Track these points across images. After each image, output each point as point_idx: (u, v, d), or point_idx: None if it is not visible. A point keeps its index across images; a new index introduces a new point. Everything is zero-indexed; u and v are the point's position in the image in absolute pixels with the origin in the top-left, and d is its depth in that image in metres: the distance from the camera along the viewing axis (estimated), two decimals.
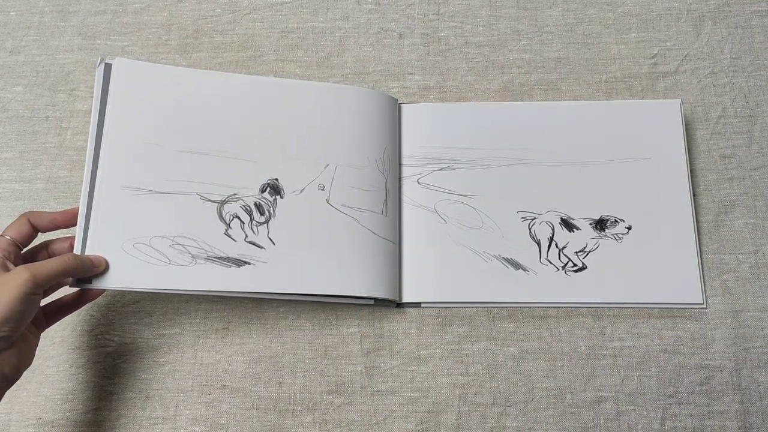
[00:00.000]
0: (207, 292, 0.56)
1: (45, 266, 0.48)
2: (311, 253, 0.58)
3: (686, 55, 0.70)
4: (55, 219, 0.54)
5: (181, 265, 0.55)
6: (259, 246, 0.57)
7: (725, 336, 0.60)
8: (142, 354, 0.60)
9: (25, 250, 0.53)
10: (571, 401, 0.58)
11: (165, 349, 0.60)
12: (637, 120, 0.65)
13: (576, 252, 0.62)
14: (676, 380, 0.59)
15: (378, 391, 0.59)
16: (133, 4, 0.73)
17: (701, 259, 0.62)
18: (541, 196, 0.63)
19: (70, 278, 0.52)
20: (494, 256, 0.62)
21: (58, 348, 0.60)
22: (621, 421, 0.58)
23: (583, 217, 0.62)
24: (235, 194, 0.58)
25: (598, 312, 0.61)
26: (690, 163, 0.64)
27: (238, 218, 0.58)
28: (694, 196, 0.63)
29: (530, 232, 0.62)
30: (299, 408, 0.59)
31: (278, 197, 0.59)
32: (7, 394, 0.48)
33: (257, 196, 0.59)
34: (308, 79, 0.69)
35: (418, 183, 0.64)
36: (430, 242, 0.62)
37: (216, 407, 0.59)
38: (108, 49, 0.71)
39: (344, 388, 0.59)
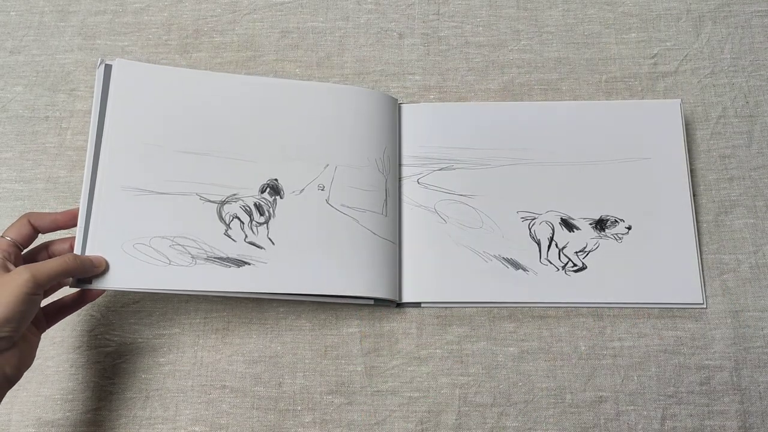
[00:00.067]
0: (207, 292, 0.56)
1: (45, 266, 0.48)
2: (311, 253, 0.58)
3: (686, 55, 0.70)
4: (56, 219, 0.54)
5: (181, 265, 0.55)
6: (258, 246, 0.58)
7: (725, 336, 0.60)
8: (142, 354, 0.60)
9: (25, 251, 0.53)
10: (571, 401, 0.59)
11: (165, 349, 0.60)
12: (637, 120, 0.65)
13: (576, 252, 0.62)
14: (676, 380, 0.59)
15: (378, 391, 0.59)
16: (133, 4, 0.73)
17: (701, 259, 0.62)
18: (541, 196, 0.63)
19: (71, 279, 0.52)
20: (494, 256, 0.62)
21: (58, 348, 0.60)
22: (621, 421, 0.58)
23: (583, 217, 0.62)
24: (234, 195, 0.58)
25: (598, 312, 0.61)
26: (690, 163, 0.64)
27: (238, 218, 0.58)
28: (694, 196, 0.63)
29: (530, 232, 0.62)
30: (299, 408, 0.59)
31: (278, 197, 0.59)
32: (8, 394, 0.48)
33: (257, 197, 0.59)
34: (308, 79, 0.69)
35: (418, 183, 0.64)
36: (430, 242, 0.62)
37: (216, 407, 0.59)
38: (108, 49, 0.71)
39: (344, 388, 0.59)
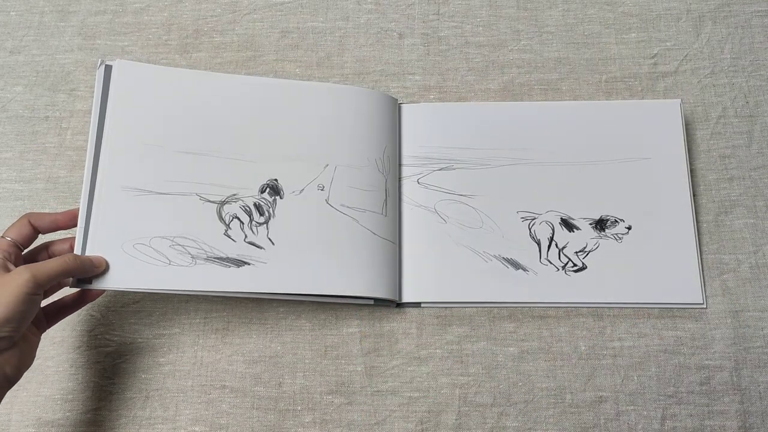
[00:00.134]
0: (207, 292, 0.56)
1: (45, 267, 0.48)
2: (311, 253, 0.58)
3: (686, 55, 0.70)
4: (57, 220, 0.54)
5: (181, 265, 0.55)
6: (258, 246, 0.58)
7: (725, 336, 0.60)
8: (142, 354, 0.60)
9: (25, 251, 0.53)
10: (571, 401, 0.59)
11: (165, 349, 0.60)
12: (637, 120, 0.65)
13: (576, 252, 0.62)
14: (676, 380, 0.59)
15: (378, 391, 0.59)
16: (133, 4, 0.73)
17: (701, 259, 0.62)
18: (541, 196, 0.63)
19: (71, 279, 0.52)
20: (494, 256, 0.62)
21: (58, 348, 0.60)
22: (621, 421, 0.58)
23: (583, 217, 0.62)
24: (234, 195, 0.58)
25: (598, 312, 0.61)
26: (690, 163, 0.64)
27: (238, 219, 0.58)
28: (694, 196, 0.63)
29: (530, 232, 0.62)
30: (299, 408, 0.59)
31: (278, 197, 0.59)
32: (7, 394, 0.48)
33: (257, 197, 0.59)
34: (308, 79, 0.69)
35: (418, 183, 0.64)
36: (430, 242, 0.62)
37: (216, 407, 0.59)
38: (108, 49, 0.71)
39: (344, 388, 0.59)
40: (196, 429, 0.58)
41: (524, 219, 0.63)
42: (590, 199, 0.63)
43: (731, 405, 0.58)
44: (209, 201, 0.58)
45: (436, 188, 0.64)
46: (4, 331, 0.45)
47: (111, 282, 0.53)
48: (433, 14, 0.72)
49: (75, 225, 0.54)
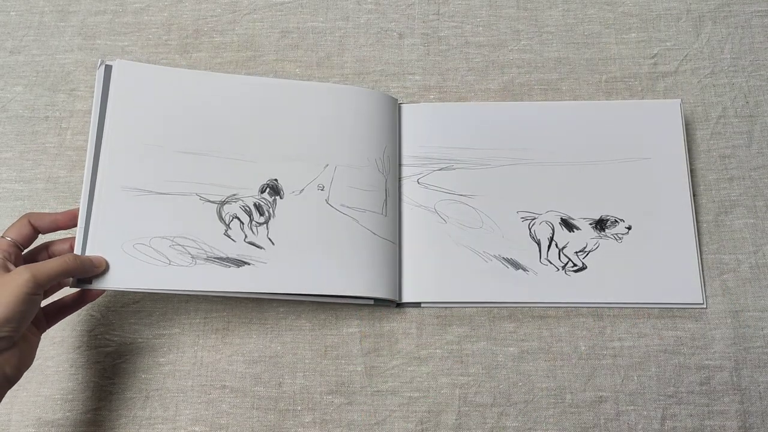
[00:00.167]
0: (207, 292, 0.56)
1: (45, 267, 0.48)
2: (311, 253, 0.58)
3: (686, 55, 0.70)
4: (57, 220, 0.54)
5: (181, 265, 0.55)
6: (258, 246, 0.58)
7: (725, 336, 0.60)
8: (142, 354, 0.60)
9: (25, 251, 0.53)
10: (571, 401, 0.59)
11: (165, 349, 0.60)
12: (637, 120, 0.65)
13: (576, 252, 0.62)
14: (676, 380, 0.59)
15: (378, 391, 0.59)
16: (133, 4, 0.73)
17: (701, 259, 0.62)
18: (541, 196, 0.63)
19: (71, 279, 0.52)
20: (494, 256, 0.62)
21: (58, 348, 0.60)
22: (621, 421, 0.58)
23: (583, 217, 0.62)
24: (234, 195, 0.58)
25: (598, 312, 0.61)
26: (690, 163, 0.64)
27: (238, 219, 0.58)
28: (694, 196, 0.63)
29: (530, 232, 0.62)
30: (299, 408, 0.59)
31: (278, 197, 0.59)
32: (7, 394, 0.48)
33: (257, 197, 0.59)
34: (308, 79, 0.69)
35: (418, 183, 0.64)
36: (430, 242, 0.62)
37: (216, 407, 0.59)
38: (108, 49, 0.71)
39: (344, 388, 0.59)
40: (196, 429, 0.58)
41: (524, 219, 0.63)
42: (590, 199, 0.63)
43: (731, 405, 0.58)
44: (209, 201, 0.58)
45: (436, 188, 0.64)
46: (4, 331, 0.45)
47: (111, 282, 0.53)
48: (433, 14, 0.72)
49: (75, 225, 0.54)
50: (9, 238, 0.51)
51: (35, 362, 0.51)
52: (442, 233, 0.62)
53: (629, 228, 0.62)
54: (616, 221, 0.62)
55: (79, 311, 0.57)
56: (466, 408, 0.59)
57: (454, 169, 0.64)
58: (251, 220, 0.58)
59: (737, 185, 0.65)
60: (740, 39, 0.70)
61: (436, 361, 0.60)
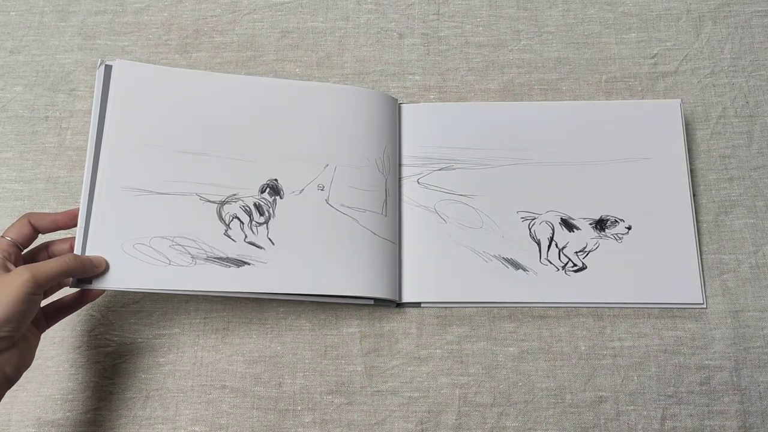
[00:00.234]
0: (207, 292, 0.56)
1: (45, 266, 0.48)
2: (311, 253, 0.58)
3: (686, 55, 0.70)
4: (57, 220, 0.54)
5: (181, 265, 0.55)
6: (258, 246, 0.58)
7: (725, 336, 0.60)
8: (142, 354, 0.60)
9: (25, 251, 0.53)
10: (571, 401, 0.59)
11: (165, 349, 0.60)
12: (637, 120, 0.65)
13: (576, 252, 0.62)
14: (676, 380, 0.59)
15: (378, 391, 0.59)
16: (133, 4, 0.73)
17: (701, 259, 0.62)
18: (541, 196, 0.63)
19: (71, 279, 0.52)
20: (494, 256, 0.62)
21: (58, 348, 0.60)
22: (621, 421, 0.58)
23: (583, 217, 0.62)
24: (234, 195, 0.58)
25: (598, 312, 0.61)
26: (690, 163, 0.64)
27: (238, 219, 0.58)
28: (694, 196, 0.63)
29: (530, 232, 0.62)
30: (299, 408, 0.59)
31: (278, 197, 0.59)
32: (7, 394, 0.48)
33: (257, 197, 0.59)
34: (308, 79, 0.69)
35: (418, 183, 0.64)
36: (430, 242, 0.62)
37: (216, 407, 0.59)
38: (108, 49, 0.71)
39: (344, 388, 0.59)
40: (196, 429, 0.58)
41: (524, 219, 0.63)
42: (590, 199, 0.63)
43: (731, 405, 0.58)
44: (209, 201, 0.58)
45: (436, 188, 0.64)
46: (3, 331, 0.45)
47: (111, 282, 0.53)
48: (433, 14, 0.72)
49: (75, 225, 0.54)
50: (9, 238, 0.51)
51: (35, 362, 0.51)
52: (442, 233, 0.62)
53: (629, 228, 0.62)
54: (616, 221, 0.62)
55: (79, 311, 0.57)
56: (466, 408, 0.59)
57: (454, 169, 0.64)
58: (251, 220, 0.58)
59: (737, 185, 0.65)
60: (740, 39, 0.70)
61: (436, 361, 0.60)
